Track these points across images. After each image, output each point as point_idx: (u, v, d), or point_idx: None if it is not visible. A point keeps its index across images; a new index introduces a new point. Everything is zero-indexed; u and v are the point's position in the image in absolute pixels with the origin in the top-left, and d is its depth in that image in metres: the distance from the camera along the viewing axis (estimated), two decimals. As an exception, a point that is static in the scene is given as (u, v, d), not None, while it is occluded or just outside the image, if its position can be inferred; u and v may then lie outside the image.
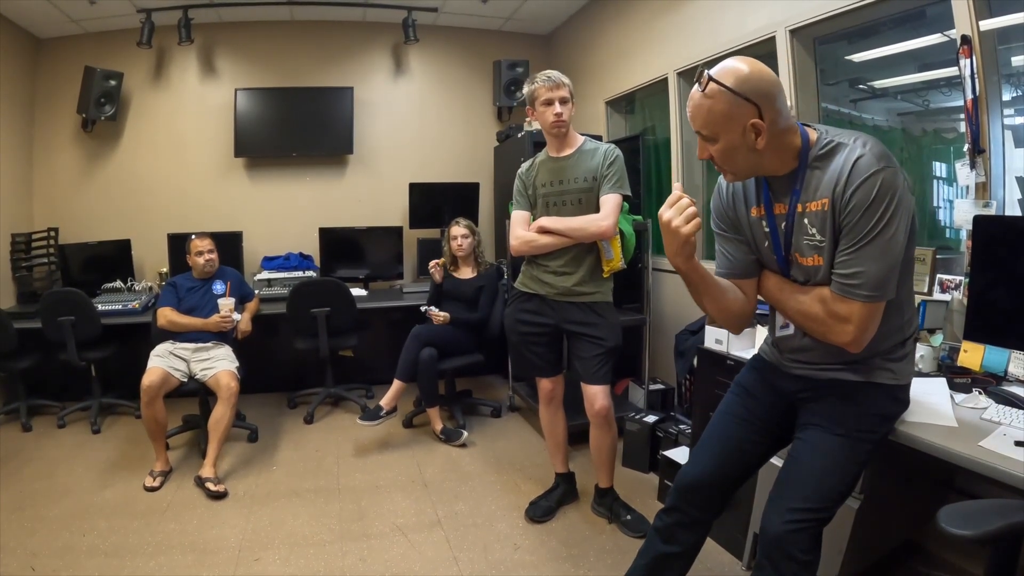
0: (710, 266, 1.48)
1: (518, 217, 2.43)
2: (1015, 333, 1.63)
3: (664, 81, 3.58)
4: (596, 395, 2.36)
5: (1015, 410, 1.53)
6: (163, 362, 3.01)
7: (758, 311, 1.56)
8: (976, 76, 1.91)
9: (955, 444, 1.38)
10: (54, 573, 2.17)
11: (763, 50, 2.84)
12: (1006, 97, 2.00)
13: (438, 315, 3.40)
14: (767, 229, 1.43)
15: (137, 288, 4.17)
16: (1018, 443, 1.34)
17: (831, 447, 1.36)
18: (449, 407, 3.68)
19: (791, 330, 1.49)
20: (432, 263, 3.48)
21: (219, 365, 3.07)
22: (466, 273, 3.61)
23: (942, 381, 1.77)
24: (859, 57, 2.68)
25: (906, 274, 1.36)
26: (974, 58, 1.92)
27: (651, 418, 2.98)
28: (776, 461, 1.63)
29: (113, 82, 4.20)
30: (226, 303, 3.18)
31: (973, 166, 1.96)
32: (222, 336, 3.25)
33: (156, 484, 2.83)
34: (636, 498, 2.61)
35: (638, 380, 3.65)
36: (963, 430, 1.46)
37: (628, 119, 4.32)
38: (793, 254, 1.40)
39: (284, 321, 3.77)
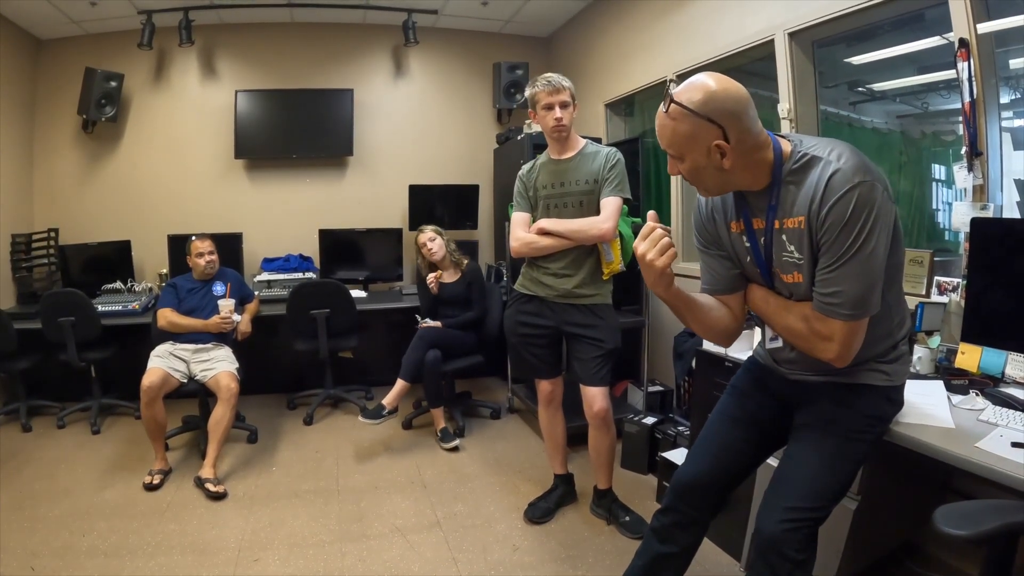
0: (695, 266, 1.47)
1: (518, 219, 2.43)
2: (1012, 335, 1.64)
3: (663, 84, 3.58)
4: (595, 397, 2.36)
5: (1012, 411, 1.54)
6: (163, 362, 3.02)
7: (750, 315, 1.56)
8: (974, 79, 1.92)
9: (952, 445, 1.38)
10: (54, 573, 2.17)
11: (762, 53, 2.85)
12: (1004, 100, 2.00)
13: (432, 325, 3.46)
14: (747, 244, 1.42)
15: (137, 289, 4.17)
16: (1015, 444, 1.34)
17: (825, 447, 1.37)
18: (449, 408, 3.68)
19: (780, 343, 1.49)
20: (430, 277, 3.51)
21: (219, 366, 3.08)
22: (451, 276, 3.63)
23: (939, 383, 1.77)
24: (858, 60, 2.69)
25: (892, 280, 1.35)
26: (972, 61, 1.92)
27: (650, 420, 2.99)
28: (773, 462, 1.64)
29: (114, 83, 4.21)
30: (226, 304, 3.18)
31: (971, 168, 1.97)
32: (222, 337, 3.25)
33: (156, 482, 2.83)
34: (635, 499, 2.62)
35: (637, 382, 3.66)
36: (960, 431, 1.47)
37: (627, 121, 4.33)
38: (775, 270, 1.39)
39: (284, 322, 3.77)
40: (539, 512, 2.54)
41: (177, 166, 4.56)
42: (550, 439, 2.62)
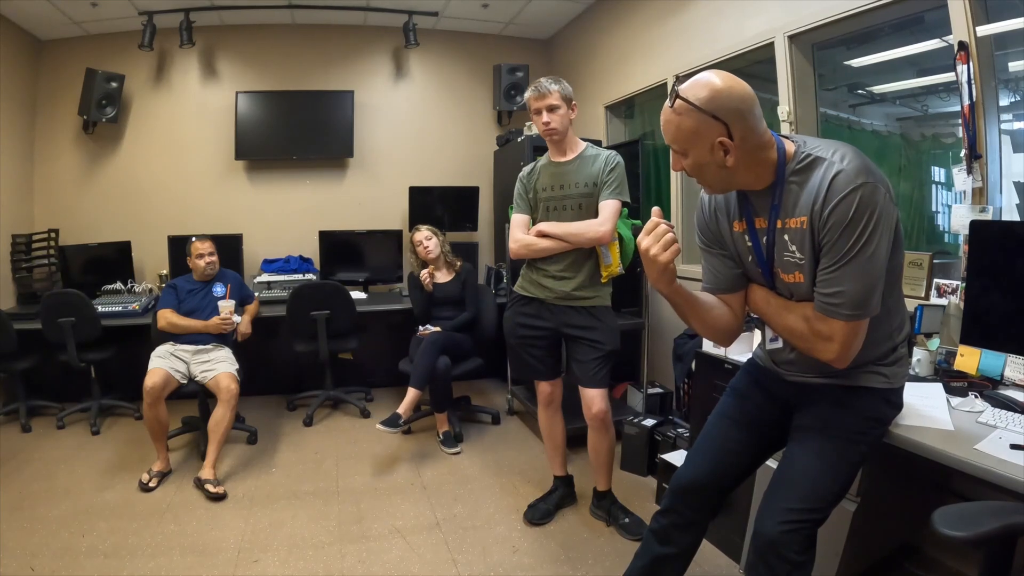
0: (696, 268, 1.48)
1: (518, 220, 2.44)
2: (1011, 337, 1.64)
3: (663, 86, 3.59)
4: (594, 398, 2.36)
5: (1011, 414, 1.54)
6: (164, 363, 3.02)
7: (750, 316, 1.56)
8: (973, 81, 1.92)
9: (951, 447, 1.39)
10: (53, 574, 2.17)
11: (762, 55, 2.85)
12: (1003, 102, 2.01)
13: (432, 331, 3.46)
14: (749, 244, 1.42)
15: (137, 290, 4.18)
16: (1014, 446, 1.35)
17: (824, 449, 1.37)
18: (448, 413, 3.68)
19: (780, 343, 1.49)
20: (423, 273, 3.50)
21: (219, 367, 3.08)
22: (445, 276, 3.63)
23: (938, 385, 1.77)
24: (858, 62, 2.69)
25: (892, 282, 1.35)
26: (971, 64, 1.93)
27: (649, 422, 2.99)
28: (772, 463, 1.64)
29: (114, 84, 4.22)
30: (226, 305, 3.18)
31: (970, 171, 1.97)
32: (222, 338, 3.25)
33: (152, 484, 2.83)
34: (634, 501, 2.62)
35: (636, 384, 3.66)
36: (959, 433, 1.47)
37: (627, 124, 4.34)
38: (776, 269, 1.40)
39: (284, 324, 3.77)
40: (539, 514, 2.54)
41: (177, 167, 4.57)
42: (550, 441, 2.62)
